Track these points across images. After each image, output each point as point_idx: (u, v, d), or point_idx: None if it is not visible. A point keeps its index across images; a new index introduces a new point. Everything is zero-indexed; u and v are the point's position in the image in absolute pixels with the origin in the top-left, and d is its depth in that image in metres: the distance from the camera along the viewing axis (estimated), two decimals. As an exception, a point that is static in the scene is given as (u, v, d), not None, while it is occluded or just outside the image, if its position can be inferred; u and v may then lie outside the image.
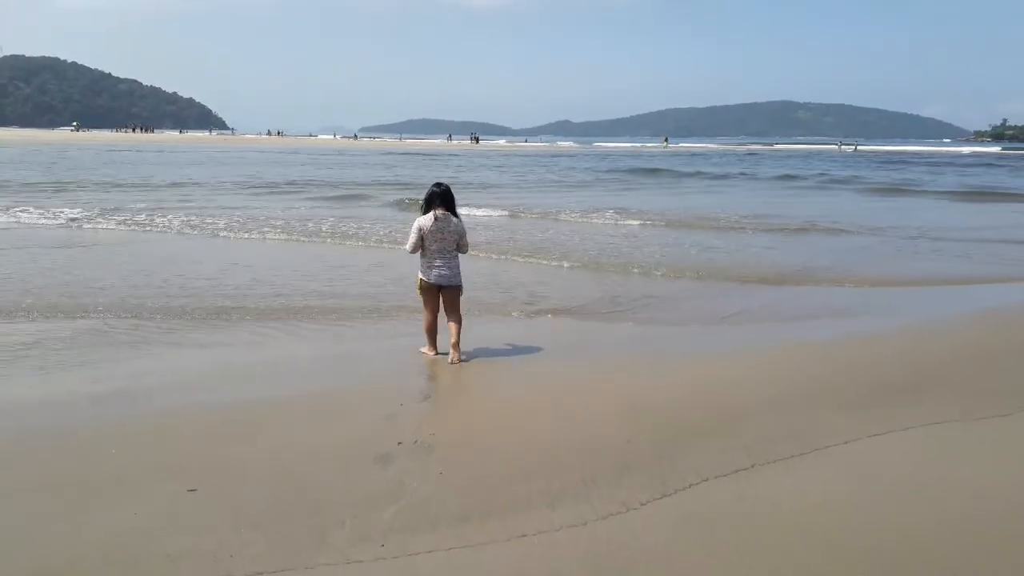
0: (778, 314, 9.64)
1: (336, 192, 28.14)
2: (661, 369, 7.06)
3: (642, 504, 4.11)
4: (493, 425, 5.50)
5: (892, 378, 6.58)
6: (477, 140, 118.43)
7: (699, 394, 6.15)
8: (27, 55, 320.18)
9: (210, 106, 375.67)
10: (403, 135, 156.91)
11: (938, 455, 4.93)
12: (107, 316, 8.75)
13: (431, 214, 7.20)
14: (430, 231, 7.16)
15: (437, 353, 7.31)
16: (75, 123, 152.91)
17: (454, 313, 7.29)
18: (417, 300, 7.60)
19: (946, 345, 7.87)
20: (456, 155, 68.57)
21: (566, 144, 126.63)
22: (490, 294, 10.18)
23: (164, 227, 17.10)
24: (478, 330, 8.15)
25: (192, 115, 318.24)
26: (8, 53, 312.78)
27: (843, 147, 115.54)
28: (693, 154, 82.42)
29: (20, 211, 19.43)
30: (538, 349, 7.59)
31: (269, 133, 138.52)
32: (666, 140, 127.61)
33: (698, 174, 44.90)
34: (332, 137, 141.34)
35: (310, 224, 17.75)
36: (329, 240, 15.74)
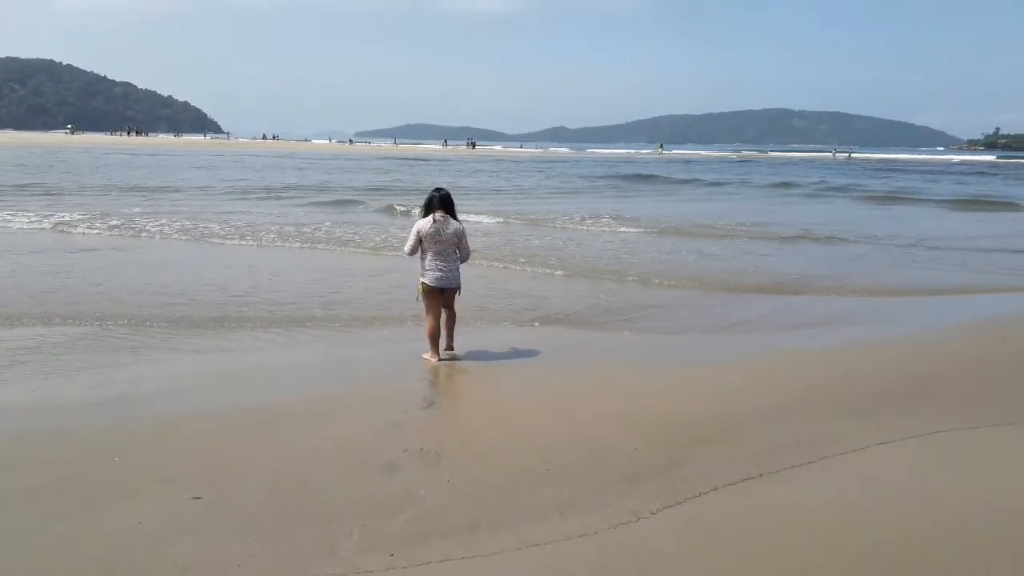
0: (776, 322, 9.64)
1: (332, 197, 28.08)
2: (663, 377, 7.07)
3: (652, 513, 4.10)
4: (498, 432, 5.48)
5: (891, 386, 6.63)
6: (474, 145, 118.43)
7: (702, 402, 6.17)
8: (22, 57, 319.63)
9: (205, 110, 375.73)
10: (398, 140, 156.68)
11: (938, 464, 4.95)
12: (105, 321, 8.69)
13: (430, 217, 7.32)
14: (429, 234, 7.26)
15: (440, 359, 7.32)
16: (70, 126, 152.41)
17: (449, 308, 7.52)
18: (417, 307, 7.61)
19: (943, 354, 7.93)
20: (450, 161, 68.57)
21: (561, 150, 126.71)
22: (488, 301, 10.16)
23: (162, 233, 16.98)
24: (477, 337, 8.17)
25: (187, 118, 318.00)
26: (3, 55, 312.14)
27: (837, 155, 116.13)
28: (688, 161, 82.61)
29: (8, 214, 19.31)
30: (539, 356, 7.60)
31: (264, 137, 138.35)
32: (661, 147, 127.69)
33: (695, 181, 45.00)
34: (327, 142, 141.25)
35: (306, 229, 17.70)
36: (325, 246, 15.70)
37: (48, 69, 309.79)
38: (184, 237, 16.50)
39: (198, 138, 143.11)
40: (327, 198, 27.55)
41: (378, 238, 16.54)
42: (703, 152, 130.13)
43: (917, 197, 34.94)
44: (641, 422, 5.57)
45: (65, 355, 7.36)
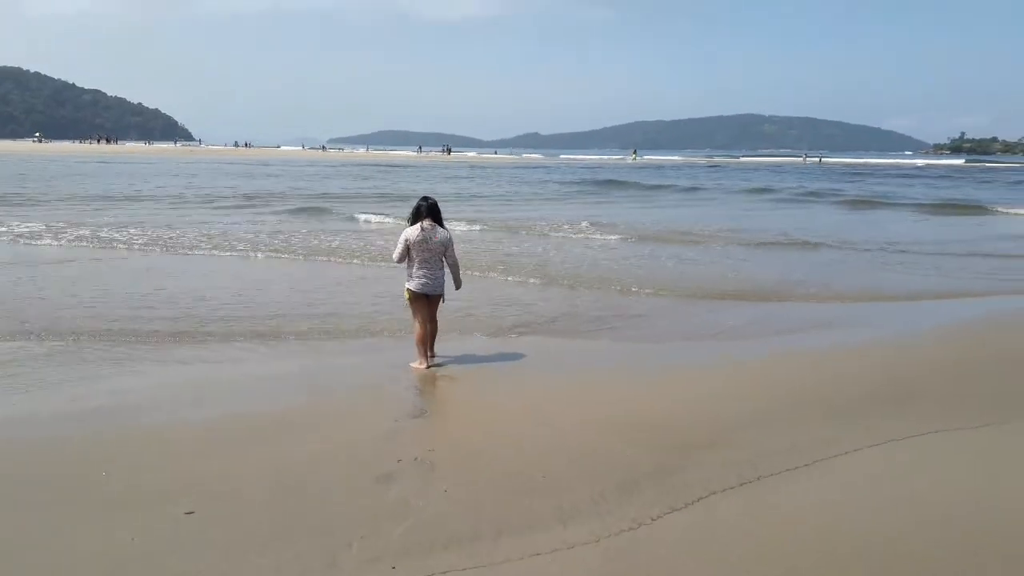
0: (758, 328, 9.68)
1: (307, 204, 27.81)
2: (652, 383, 7.09)
3: (653, 519, 4.11)
4: (490, 440, 5.47)
5: (877, 389, 6.72)
6: (449, 151, 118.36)
7: (692, 407, 6.20)
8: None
9: (176, 117, 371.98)
10: (370, 146, 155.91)
11: (925, 465, 5.03)
12: (80, 336, 8.51)
13: (417, 225, 7.44)
14: (416, 242, 7.38)
15: (428, 367, 7.31)
16: (38, 134, 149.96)
17: (431, 320, 7.59)
18: (403, 316, 7.60)
19: (926, 358, 8.04)
20: (423, 167, 68.38)
21: (535, 156, 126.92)
22: (471, 309, 10.13)
23: (140, 244, 16.72)
24: (462, 345, 8.17)
25: (158, 126, 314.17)
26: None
27: (808, 159, 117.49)
28: (660, 167, 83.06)
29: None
30: (522, 362, 7.64)
31: (236, 145, 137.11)
32: (635, 152, 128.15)
33: (670, 186, 45.26)
34: (300, 148, 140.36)
35: (281, 237, 17.54)
36: (303, 254, 15.54)
37: (15, 77, 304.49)
38: (159, 248, 16.24)
39: (168, 146, 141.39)
40: (297, 205, 27.18)
41: (355, 244, 16.45)
42: (675, 157, 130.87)
43: (891, 201, 35.42)
44: (634, 427, 5.59)
45: (44, 368, 7.22)
